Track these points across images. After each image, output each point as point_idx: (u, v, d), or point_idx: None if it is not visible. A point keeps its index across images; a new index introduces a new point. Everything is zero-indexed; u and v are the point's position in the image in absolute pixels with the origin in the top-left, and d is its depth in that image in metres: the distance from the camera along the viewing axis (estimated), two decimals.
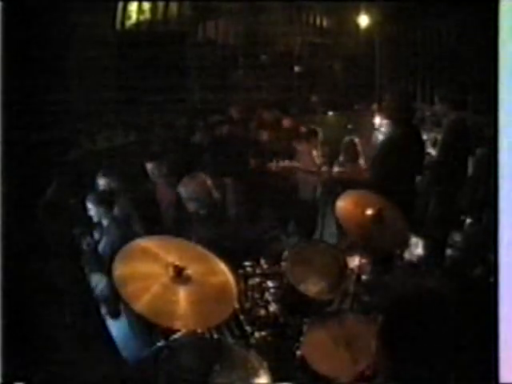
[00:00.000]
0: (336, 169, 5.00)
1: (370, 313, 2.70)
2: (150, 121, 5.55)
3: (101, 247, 3.59)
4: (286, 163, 3.72)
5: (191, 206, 3.28)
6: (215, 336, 2.51)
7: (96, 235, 3.68)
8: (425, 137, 4.51)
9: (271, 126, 5.94)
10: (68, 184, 3.91)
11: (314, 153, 5.32)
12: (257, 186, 5.32)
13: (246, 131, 5.79)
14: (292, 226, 5.42)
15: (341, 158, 5.14)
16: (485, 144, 4.50)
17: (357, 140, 5.15)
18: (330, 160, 5.17)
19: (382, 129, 4.49)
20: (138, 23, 5.85)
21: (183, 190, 3.32)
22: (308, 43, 7.31)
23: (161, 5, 6.05)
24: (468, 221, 4.78)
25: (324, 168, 4.50)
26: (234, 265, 2.41)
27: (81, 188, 3.92)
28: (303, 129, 5.58)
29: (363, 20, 6.94)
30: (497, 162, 2.51)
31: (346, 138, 5.21)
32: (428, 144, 4.82)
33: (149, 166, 4.21)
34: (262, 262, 3.06)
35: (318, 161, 5.27)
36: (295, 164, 3.73)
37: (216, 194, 3.36)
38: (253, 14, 6.64)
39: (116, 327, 3.65)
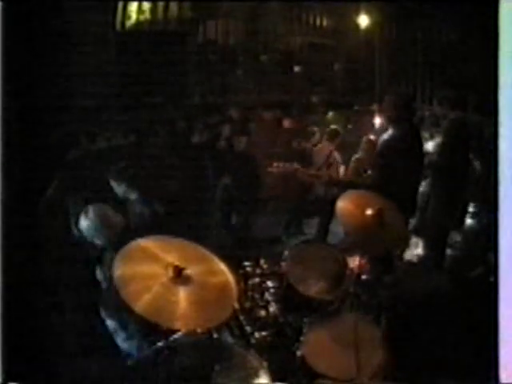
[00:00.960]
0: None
1: (370, 313, 2.70)
2: (149, 121, 5.56)
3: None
4: (287, 165, 3.70)
5: (98, 242, 3.08)
6: (215, 336, 2.51)
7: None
8: (425, 137, 4.52)
9: (271, 127, 5.95)
10: (68, 184, 3.91)
11: (336, 153, 5.38)
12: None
13: (246, 132, 5.80)
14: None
15: (357, 156, 5.18)
16: (485, 144, 4.51)
17: (374, 138, 5.18)
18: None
19: (382, 129, 4.48)
20: (138, 23, 5.85)
21: (82, 228, 3.09)
22: (308, 43, 7.31)
23: (161, 5, 6.05)
24: (468, 221, 4.79)
25: (329, 170, 4.49)
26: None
27: (81, 188, 3.92)
28: (326, 129, 5.65)
29: (363, 20, 6.94)
30: (497, 161, 2.51)
31: (365, 137, 5.26)
32: (428, 144, 4.82)
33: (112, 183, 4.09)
34: (262, 261, 3.06)
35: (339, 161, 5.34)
36: (295, 166, 3.70)
37: (121, 221, 3.17)
38: (253, 14, 6.65)
39: (116, 327, 3.65)
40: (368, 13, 6.87)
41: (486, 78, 2.55)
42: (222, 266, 2.25)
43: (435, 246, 4.44)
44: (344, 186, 3.63)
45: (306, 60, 7.22)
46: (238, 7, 6.55)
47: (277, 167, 3.68)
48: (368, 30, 6.98)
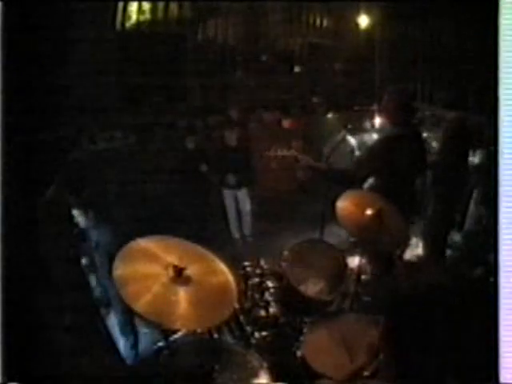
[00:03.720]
0: None
1: (370, 313, 2.70)
2: (149, 121, 5.55)
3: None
4: (285, 152, 3.62)
5: None
6: (215, 336, 2.51)
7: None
8: (425, 137, 4.51)
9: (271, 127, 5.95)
10: (68, 184, 3.91)
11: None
12: None
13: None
14: None
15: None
16: (485, 144, 4.51)
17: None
18: None
19: (382, 129, 4.48)
20: (138, 23, 5.85)
21: None
22: (308, 43, 7.31)
23: (161, 5, 6.05)
24: (468, 221, 4.78)
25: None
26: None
27: (81, 188, 3.92)
28: None
29: (363, 20, 6.95)
30: (497, 161, 2.51)
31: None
32: (428, 144, 4.82)
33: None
34: (262, 262, 3.06)
35: None
36: (294, 153, 3.63)
37: None
38: (253, 14, 6.65)
39: (116, 327, 3.65)
40: (368, 13, 6.87)
41: (486, 78, 2.55)
42: (222, 266, 2.25)
43: (435, 246, 4.44)
44: (344, 177, 3.58)
45: (305, 60, 7.22)
46: (238, 7, 6.54)
47: (275, 151, 3.59)
48: (368, 29, 6.99)
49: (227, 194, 5.56)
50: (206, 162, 5.47)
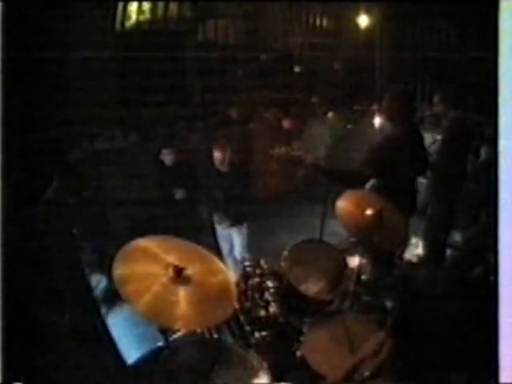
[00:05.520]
0: None
1: (369, 313, 2.70)
2: (150, 122, 5.55)
3: None
4: (289, 149, 3.57)
5: None
6: (215, 336, 2.51)
7: None
8: (425, 137, 4.51)
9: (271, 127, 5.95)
10: (68, 184, 3.91)
11: None
12: None
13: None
14: None
15: None
16: (485, 144, 4.51)
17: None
18: None
19: (382, 129, 4.48)
20: (138, 23, 5.86)
21: None
22: (308, 43, 7.32)
23: (161, 5, 6.06)
24: (468, 221, 4.78)
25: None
26: None
27: (81, 189, 3.92)
28: None
29: (363, 20, 6.95)
30: (497, 161, 2.51)
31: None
32: (428, 144, 4.81)
33: None
34: (262, 262, 3.06)
35: None
36: (297, 152, 3.59)
37: None
38: (253, 14, 6.65)
39: (116, 327, 3.65)
40: (368, 13, 6.88)
41: (486, 78, 2.55)
42: (222, 266, 2.25)
43: (435, 246, 4.43)
44: (347, 177, 3.57)
45: (306, 60, 7.23)
46: (238, 7, 6.55)
47: (278, 151, 3.55)
48: (368, 29, 6.99)
49: (219, 231, 4.63)
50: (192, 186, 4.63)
